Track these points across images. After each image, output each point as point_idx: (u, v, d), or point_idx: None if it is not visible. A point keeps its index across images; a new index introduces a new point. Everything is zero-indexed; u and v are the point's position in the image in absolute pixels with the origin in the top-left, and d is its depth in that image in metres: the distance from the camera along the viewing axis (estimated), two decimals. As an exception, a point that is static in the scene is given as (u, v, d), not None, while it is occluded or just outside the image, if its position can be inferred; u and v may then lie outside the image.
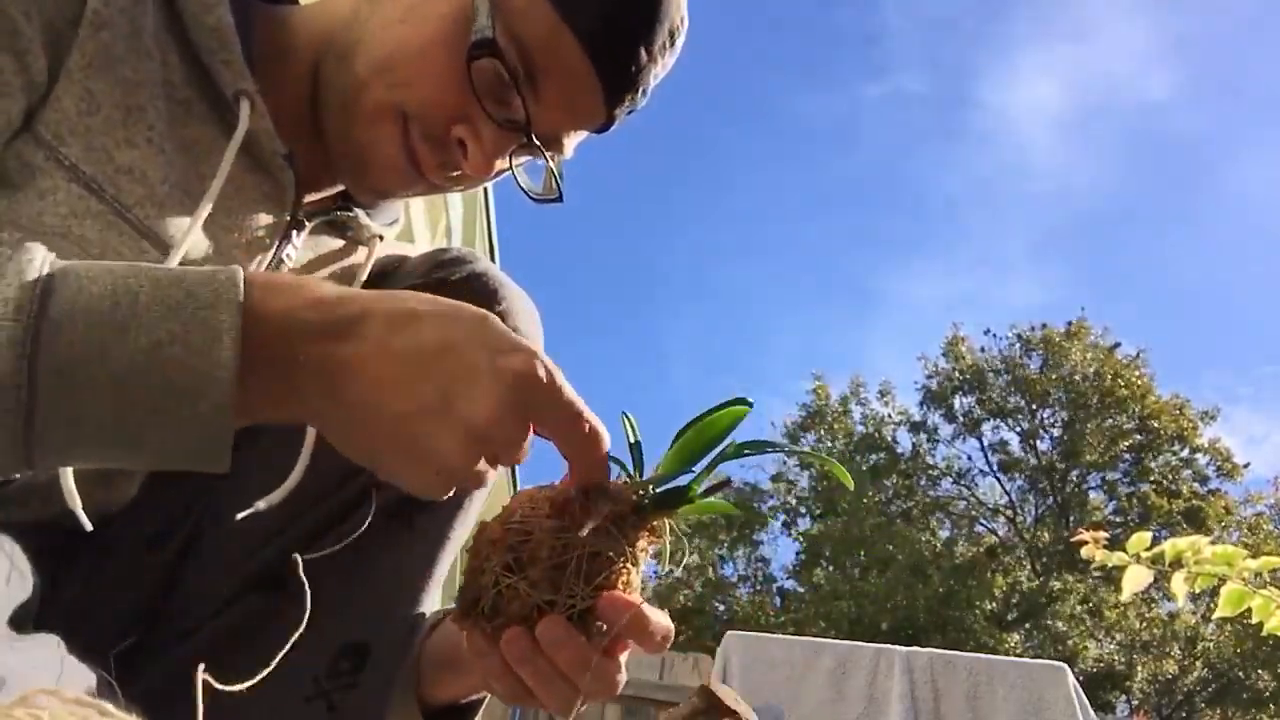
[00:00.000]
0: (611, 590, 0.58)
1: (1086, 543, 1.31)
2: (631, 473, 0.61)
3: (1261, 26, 28.57)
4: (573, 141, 0.81)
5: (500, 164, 0.78)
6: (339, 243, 0.87)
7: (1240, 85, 29.72)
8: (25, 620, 0.57)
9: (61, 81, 0.64)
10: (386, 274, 0.88)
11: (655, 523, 0.61)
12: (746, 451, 0.61)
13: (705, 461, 0.61)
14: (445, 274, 0.83)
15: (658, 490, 0.61)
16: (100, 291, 0.49)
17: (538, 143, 0.76)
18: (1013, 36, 30.46)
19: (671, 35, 0.78)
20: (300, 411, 0.54)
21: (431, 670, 0.79)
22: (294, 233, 0.80)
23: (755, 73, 33.57)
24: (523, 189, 0.82)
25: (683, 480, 0.61)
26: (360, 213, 0.86)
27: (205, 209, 0.69)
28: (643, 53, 0.76)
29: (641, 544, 0.60)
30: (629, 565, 0.59)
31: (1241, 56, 29.47)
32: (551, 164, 0.80)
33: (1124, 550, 1.25)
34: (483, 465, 0.55)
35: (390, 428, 0.52)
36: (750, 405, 0.61)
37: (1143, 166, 30.88)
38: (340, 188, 0.85)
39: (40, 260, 0.50)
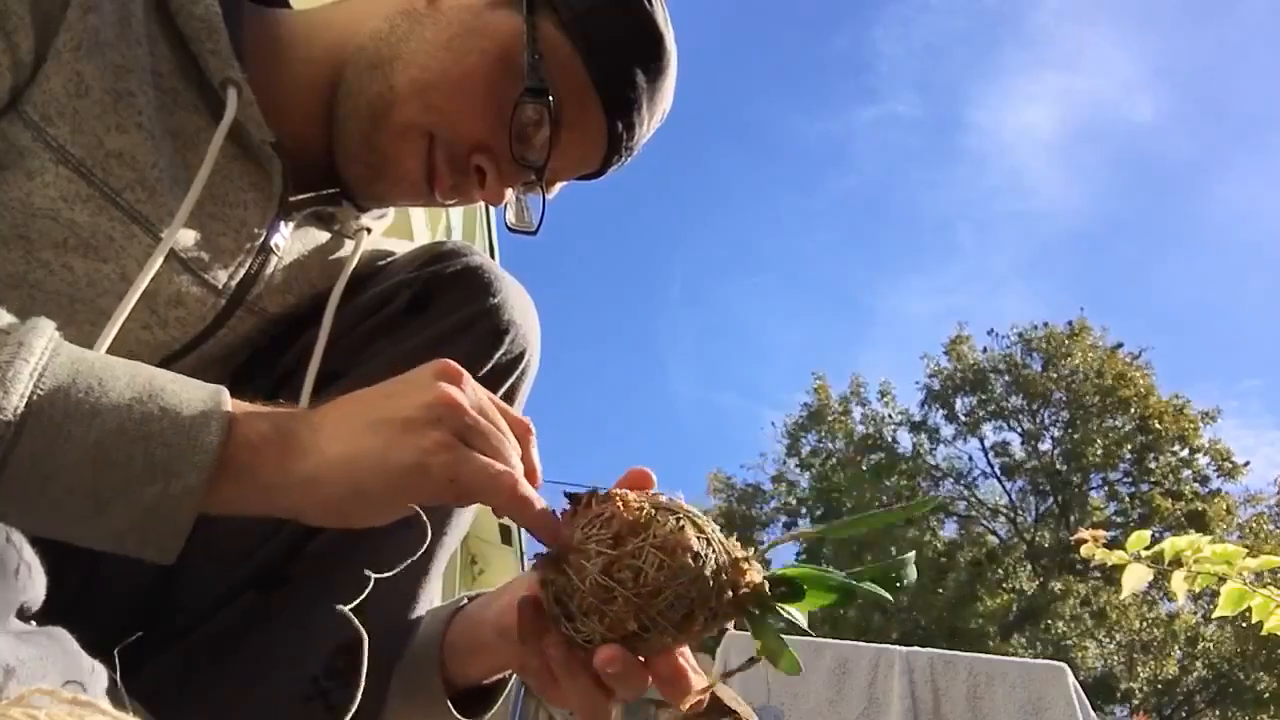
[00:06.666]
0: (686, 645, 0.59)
1: (1086, 542, 1.31)
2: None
3: (1243, 52, 28.90)
4: (561, 184, 0.87)
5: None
6: (326, 236, 0.87)
7: (1223, 109, 30.02)
8: (33, 614, 0.57)
9: (50, 62, 0.64)
10: (375, 268, 0.89)
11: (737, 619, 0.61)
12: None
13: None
14: (440, 267, 0.83)
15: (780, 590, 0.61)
16: (101, 366, 0.52)
17: (543, 184, 0.81)
18: (1003, 63, 30.84)
19: (664, 113, 0.86)
20: (272, 473, 0.55)
21: (458, 654, 0.79)
22: (281, 222, 0.80)
23: (753, 97, 34.12)
24: (504, 217, 0.87)
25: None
26: (349, 205, 0.86)
27: (194, 195, 0.70)
28: (647, 122, 0.83)
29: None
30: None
31: (1224, 81, 29.78)
32: (544, 203, 0.86)
33: (1124, 549, 1.25)
34: (454, 447, 0.55)
35: (363, 430, 0.55)
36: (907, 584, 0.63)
37: (1130, 188, 31.15)
38: (333, 188, 0.85)
39: (48, 330, 0.52)
